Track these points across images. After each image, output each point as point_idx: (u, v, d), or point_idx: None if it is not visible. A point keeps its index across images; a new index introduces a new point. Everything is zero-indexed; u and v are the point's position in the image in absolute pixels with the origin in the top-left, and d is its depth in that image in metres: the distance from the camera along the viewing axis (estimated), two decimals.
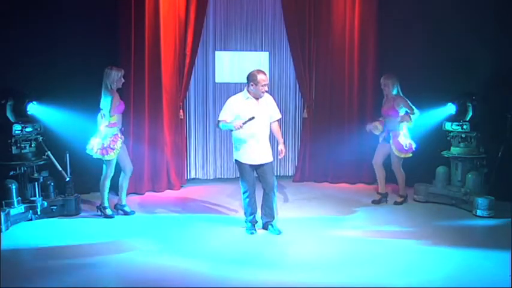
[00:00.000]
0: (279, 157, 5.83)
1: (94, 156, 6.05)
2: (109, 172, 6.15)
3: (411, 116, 6.55)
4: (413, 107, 6.55)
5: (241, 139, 5.46)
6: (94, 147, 6.00)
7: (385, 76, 6.77)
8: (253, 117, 5.32)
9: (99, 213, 6.25)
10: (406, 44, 7.53)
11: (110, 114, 5.95)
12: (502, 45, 6.75)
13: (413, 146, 6.62)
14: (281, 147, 5.70)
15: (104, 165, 6.15)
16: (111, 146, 5.99)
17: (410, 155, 6.62)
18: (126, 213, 6.34)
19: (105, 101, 5.97)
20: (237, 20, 8.22)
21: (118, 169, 6.27)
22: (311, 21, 8.11)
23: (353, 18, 7.88)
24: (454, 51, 7.14)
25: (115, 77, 6.02)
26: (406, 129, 6.60)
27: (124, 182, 6.33)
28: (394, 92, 6.62)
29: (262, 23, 8.32)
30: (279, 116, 5.78)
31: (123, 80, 6.13)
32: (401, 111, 6.57)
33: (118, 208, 6.37)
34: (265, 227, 5.66)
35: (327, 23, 8.03)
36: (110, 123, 5.97)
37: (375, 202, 6.87)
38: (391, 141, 6.60)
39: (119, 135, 6.09)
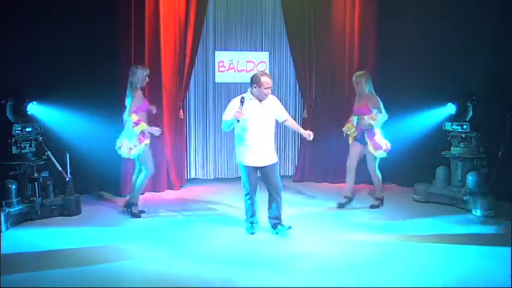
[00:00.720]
0: (309, 139, 5.68)
1: (129, 157, 6.07)
2: (150, 169, 6.17)
3: (378, 118, 6.33)
4: (382, 108, 6.35)
5: (244, 141, 5.43)
6: (124, 149, 6.00)
7: (357, 74, 6.62)
8: (243, 98, 5.30)
9: (128, 211, 6.26)
10: (406, 44, 7.53)
11: (128, 114, 5.93)
12: (502, 45, 6.75)
13: (389, 145, 6.44)
14: (307, 132, 5.60)
15: (143, 166, 6.16)
16: (141, 141, 6.02)
17: (386, 154, 6.44)
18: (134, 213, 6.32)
19: (127, 100, 6.01)
20: (237, 20, 8.22)
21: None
22: (311, 21, 8.13)
23: (353, 18, 7.87)
24: (454, 51, 7.14)
25: (140, 75, 6.04)
26: (379, 128, 6.42)
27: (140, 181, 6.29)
28: (367, 90, 6.45)
29: (262, 23, 8.33)
30: (287, 115, 5.73)
31: (147, 79, 6.17)
32: (374, 111, 6.39)
33: (127, 207, 6.39)
34: (274, 227, 5.62)
35: (327, 23, 8.04)
36: (134, 122, 5.92)
37: (340, 206, 6.68)
38: (367, 140, 6.41)
39: (146, 133, 6.06)
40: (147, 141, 6.05)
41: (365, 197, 7.13)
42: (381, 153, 6.42)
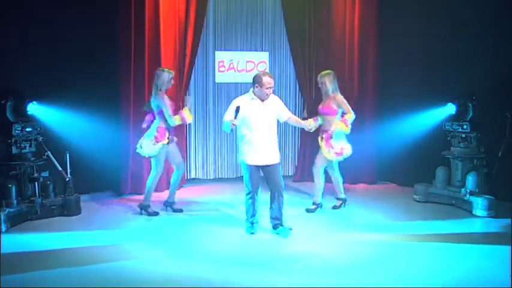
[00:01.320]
0: (309, 128, 5.81)
1: (145, 155, 6.18)
2: (159, 170, 6.22)
3: (347, 118, 6.17)
4: (349, 107, 6.25)
5: (247, 140, 5.43)
6: (145, 147, 6.12)
7: (321, 74, 6.47)
8: (238, 107, 5.31)
9: (143, 212, 6.32)
10: (406, 44, 7.53)
11: (171, 119, 6.02)
12: (502, 45, 6.74)
13: (346, 151, 6.24)
14: (307, 122, 5.73)
15: (154, 165, 6.22)
16: (158, 140, 6.08)
17: (341, 159, 6.29)
18: (174, 211, 6.43)
19: (158, 103, 6.03)
20: (237, 20, 8.23)
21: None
22: (311, 21, 8.14)
23: (353, 18, 7.87)
24: (454, 51, 7.13)
25: (165, 78, 6.09)
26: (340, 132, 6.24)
27: (174, 179, 6.38)
28: (331, 90, 6.32)
29: (262, 23, 8.33)
30: (289, 113, 5.75)
31: (173, 82, 6.22)
32: (340, 111, 6.26)
33: (167, 205, 6.48)
34: (274, 228, 5.62)
35: (327, 23, 8.04)
36: (181, 122, 6.10)
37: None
38: (322, 142, 6.26)
39: (167, 133, 6.15)
40: (165, 141, 6.10)
41: (362, 196, 7.12)
42: (331, 157, 6.25)
